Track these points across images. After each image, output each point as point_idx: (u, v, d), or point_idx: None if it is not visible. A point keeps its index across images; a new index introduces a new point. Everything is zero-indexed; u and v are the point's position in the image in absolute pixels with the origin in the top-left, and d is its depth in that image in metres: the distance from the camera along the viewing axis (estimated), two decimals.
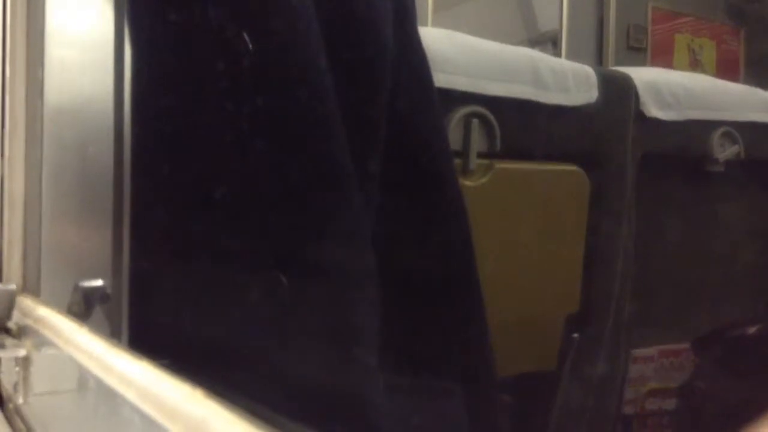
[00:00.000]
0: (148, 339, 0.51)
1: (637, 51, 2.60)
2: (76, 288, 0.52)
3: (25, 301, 0.56)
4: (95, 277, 0.51)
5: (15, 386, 0.54)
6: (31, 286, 0.59)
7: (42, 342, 0.49)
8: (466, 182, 0.85)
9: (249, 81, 0.55)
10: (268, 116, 0.56)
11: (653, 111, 1.06)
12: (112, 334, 0.51)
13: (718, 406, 1.07)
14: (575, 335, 0.99)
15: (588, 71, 1.00)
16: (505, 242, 0.90)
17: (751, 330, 1.10)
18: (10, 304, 0.56)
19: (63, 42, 0.58)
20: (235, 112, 0.55)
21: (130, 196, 0.51)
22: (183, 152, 0.55)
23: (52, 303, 0.52)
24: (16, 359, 0.53)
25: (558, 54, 2.36)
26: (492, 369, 0.73)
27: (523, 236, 0.92)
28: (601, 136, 1.01)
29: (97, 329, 0.42)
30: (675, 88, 1.09)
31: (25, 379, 0.52)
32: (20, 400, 0.53)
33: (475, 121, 0.86)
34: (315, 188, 0.58)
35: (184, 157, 0.55)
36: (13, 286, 0.58)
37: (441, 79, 0.80)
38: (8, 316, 0.56)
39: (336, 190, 0.59)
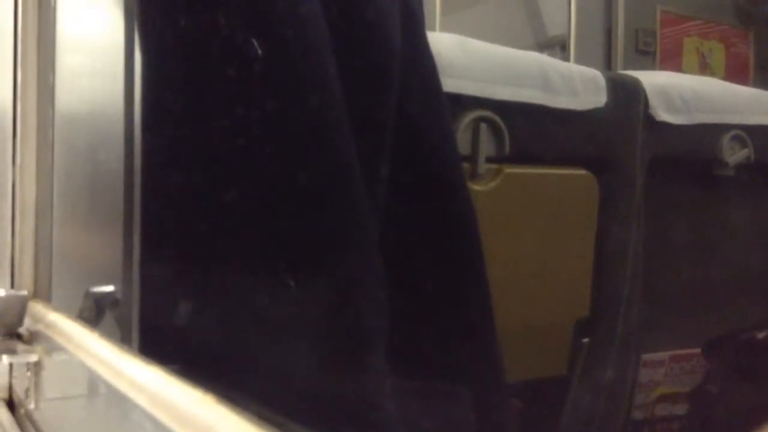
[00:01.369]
0: (158, 344, 0.51)
1: (645, 55, 2.59)
2: (87, 294, 0.52)
3: (37, 307, 0.56)
4: (106, 282, 0.51)
5: (26, 391, 0.55)
6: (43, 292, 0.59)
7: (53, 347, 0.50)
8: (475, 186, 0.85)
9: (257, 87, 0.55)
10: (276, 121, 0.56)
11: (662, 115, 1.05)
12: (123, 340, 0.51)
13: (729, 411, 1.06)
14: (585, 340, 0.98)
15: (596, 75, 1.00)
16: (514, 247, 0.90)
17: (762, 334, 1.09)
18: (22, 309, 0.56)
19: (74, 48, 0.59)
20: (243, 118, 0.55)
21: (141, 202, 0.51)
22: (192, 157, 0.55)
23: (63, 309, 0.52)
24: (28, 365, 0.53)
25: (566, 58, 2.36)
26: (501, 374, 0.73)
27: (532, 241, 0.92)
28: (610, 140, 1.00)
29: (107, 335, 0.42)
30: (684, 92, 1.09)
31: (37, 384, 0.53)
32: (31, 405, 0.54)
33: (484, 126, 0.86)
34: (323, 192, 0.58)
35: (193, 162, 0.55)
36: (24, 292, 0.58)
37: (449, 83, 0.80)
38: (20, 322, 0.57)
39: (343, 194, 0.59)
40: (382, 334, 0.60)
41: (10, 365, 0.62)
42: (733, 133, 1.11)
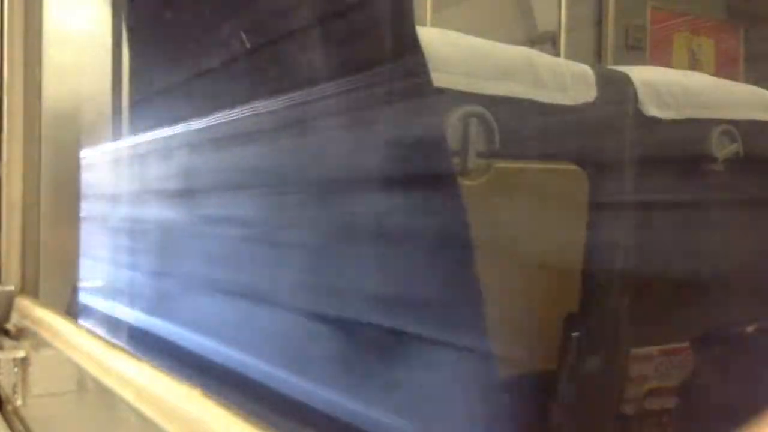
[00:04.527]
0: None
1: (636, 50, 2.60)
2: (75, 289, 0.52)
3: (24, 303, 0.56)
4: (93, 278, 0.51)
5: (14, 388, 0.54)
6: (30, 288, 0.59)
7: (40, 343, 0.49)
8: (465, 182, 0.85)
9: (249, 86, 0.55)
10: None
11: (652, 110, 1.06)
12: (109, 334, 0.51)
13: (717, 406, 1.07)
14: (574, 334, 0.99)
15: (586, 70, 1.00)
16: (503, 242, 0.90)
17: (751, 328, 1.10)
18: (9, 305, 0.56)
19: (60, 43, 0.58)
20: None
21: None
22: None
23: (51, 304, 0.52)
24: (15, 360, 0.53)
25: (557, 53, 2.36)
26: (491, 369, 0.73)
27: (522, 235, 0.92)
28: (599, 135, 1.01)
29: (95, 330, 0.42)
30: (674, 87, 1.09)
31: (24, 380, 0.52)
32: (19, 402, 0.53)
33: (474, 121, 0.86)
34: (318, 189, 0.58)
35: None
36: (11, 288, 0.58)
37: (439, 78, 0.80)
38: (7, 318, 0.56)
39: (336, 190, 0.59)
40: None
41: None
42: (722, 128, 1.12)
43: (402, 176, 0.68)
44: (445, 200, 0.71)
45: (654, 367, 1.12)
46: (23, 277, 0.59)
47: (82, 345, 0.40)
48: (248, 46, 0.53)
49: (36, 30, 0.58)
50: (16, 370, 0.53)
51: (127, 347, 0.39)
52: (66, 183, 0.58)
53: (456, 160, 0.84)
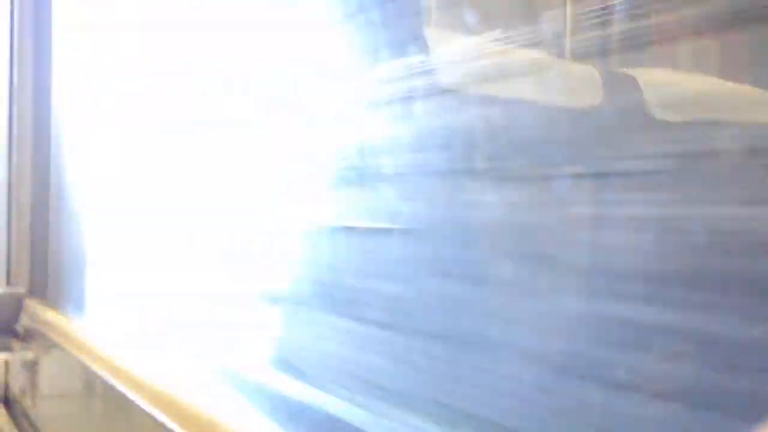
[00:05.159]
0: None
1: (642, 52, 2.60)
2: (83, 291, 0.52)
3: (33, 305, 0.56)
4: (101, 279, 0.51)
5: (23, 389, 0.55)
6: (39, 290, 0.59)
7: (49, 345, 0.50)
8: (468, 183, 0.85)
9: None
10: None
11: (659, 113, 1.06)
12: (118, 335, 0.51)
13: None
14: None
15: (591, 72, 1.00)
16: (508, 245, 0.90)
17: (754, 331, 1.09)
18: (18, 307, 0.56)
19: (71, 47, 0.59)
20: None
21: None
22: None
23: (60, 306, 0.52)
24: (24, 362, 0.53)
25: (562, 54, 2.36)
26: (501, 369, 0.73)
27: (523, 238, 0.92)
28: (604, 138, 1.01)
29: (104, 332, 0.42)
30: (679, 89, 1.09)
31: (33, 381, 0.53)
32: (28, 403, 0.53)
33: (476, 122, 0.87)
34: None
35: None
36: (20, 290, 0.58)
37: (442, 79, 0.80)
38: (16, 320, 0.56)
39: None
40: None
41: (6, 363, 0.62)
42: (727, 130, 1.11)
43: None
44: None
45: None
46: (32, 279, 0.59)
47: (90, 346, 0.41)
48: None
49: (46, 34, 0.58)
50: (25, 371, 0.53)
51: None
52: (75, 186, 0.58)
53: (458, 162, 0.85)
